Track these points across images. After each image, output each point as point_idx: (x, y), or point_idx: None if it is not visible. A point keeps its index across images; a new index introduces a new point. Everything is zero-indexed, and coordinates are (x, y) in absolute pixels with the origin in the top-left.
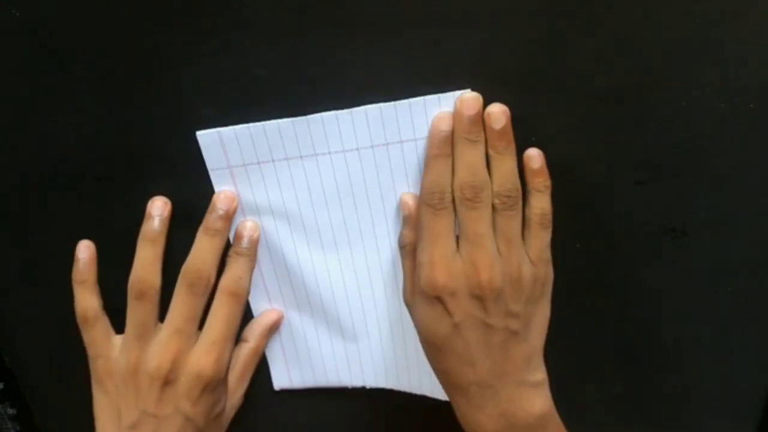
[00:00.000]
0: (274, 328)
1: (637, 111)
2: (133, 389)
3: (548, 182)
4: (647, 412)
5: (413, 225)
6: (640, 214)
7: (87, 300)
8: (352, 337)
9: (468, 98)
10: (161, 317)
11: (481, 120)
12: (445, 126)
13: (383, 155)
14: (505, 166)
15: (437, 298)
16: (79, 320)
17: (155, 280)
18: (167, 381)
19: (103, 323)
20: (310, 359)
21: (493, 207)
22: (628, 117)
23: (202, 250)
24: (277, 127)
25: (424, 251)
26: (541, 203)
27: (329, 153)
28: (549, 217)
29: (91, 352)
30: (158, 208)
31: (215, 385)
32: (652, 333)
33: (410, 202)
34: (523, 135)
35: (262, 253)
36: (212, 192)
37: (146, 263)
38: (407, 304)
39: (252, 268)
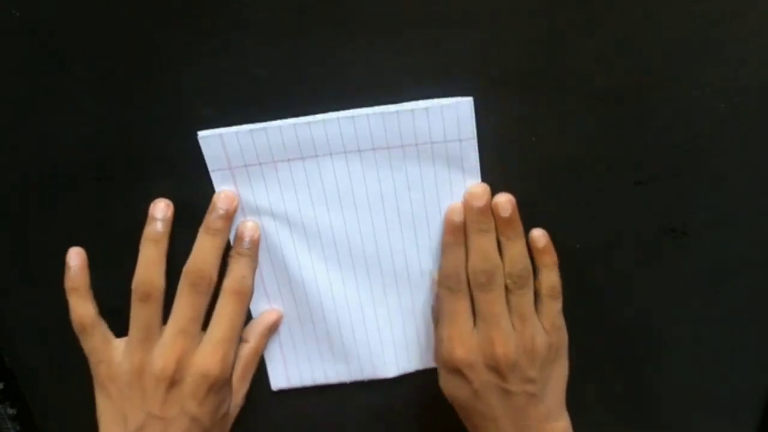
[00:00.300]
0: (273, 328)
1: (637, 111)
2: (138, 392)
3: (555, 258)
4: (647, 412)
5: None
6: (640, 214)
7: (82, 307)
8: (350, 335)
9: (476, 191)
10: (163, 319)
11: (489, 210)
12: (458, 217)
13: (384, 158)
14: (515, 250)
15: (457, 370)
16: (76, 328)
17: (160, 281)
18: (173, 382)
19: (101, 329)
20: (309, 358)
21: (506, 287)
22: (628, 117)
23: (204, 250)
24: (279, 129)
25: (444, 328)
26: (550, 278)
27: (330, 155)
28: (558, 289)
29: (92, 358)
30: (161, 210)
31: (221, 384)
32: (652, 333)
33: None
34: (523, 135)
35: (261, 254)
36: (212, 192)
37: (150, 265)
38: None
39: (254, 268)
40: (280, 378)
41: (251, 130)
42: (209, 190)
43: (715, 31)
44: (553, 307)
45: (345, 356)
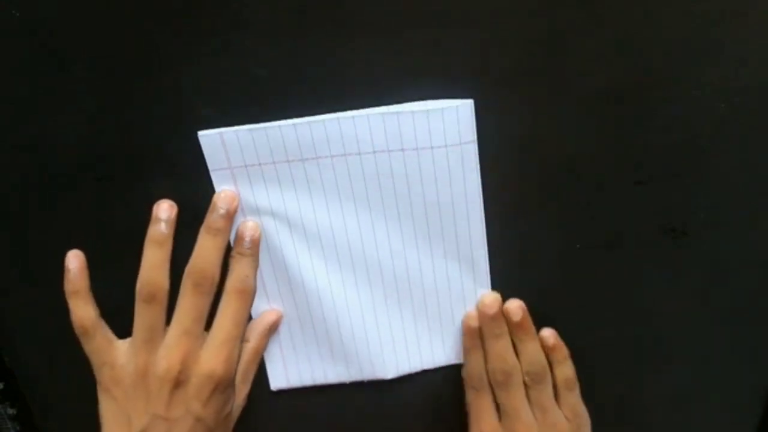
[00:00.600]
0: (273, 328)
1: (637, 111)
2: (142, 393)
3: (566, 352)
4: (647, 412)
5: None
6: (640, 214)
7: (82, 310)
8: (349, 336)
9: (488, 301)
10: (167, 319)
11: (501, 316)
12: (474, 323)
13: (385, 161)
14: (529, 350)
15: None
16: (77, 331)
17: (164, 282)
18: (178, 383)
19: (102, 331)
20: (308, 359)
21: (525, 383)
22: (628, 117)
23: (206, 250)
24: (279, 129)
25: (473, 425)
26: (563, 371)
27: (330, 156)
28: (573, 379)
29: (94, 360)
30: (165, 210)
31: (225, 384)
32: (652, 333)
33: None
34: (523, 135)
35: (261, 255)
36: (213, 192)
37: (154, 266)
38: None
39: (256, 267)
40: (279, 378)
41: (251, 130)
42: (209, 190)
43: (715, 31)
44: (571, 396)
45: (344, 357)
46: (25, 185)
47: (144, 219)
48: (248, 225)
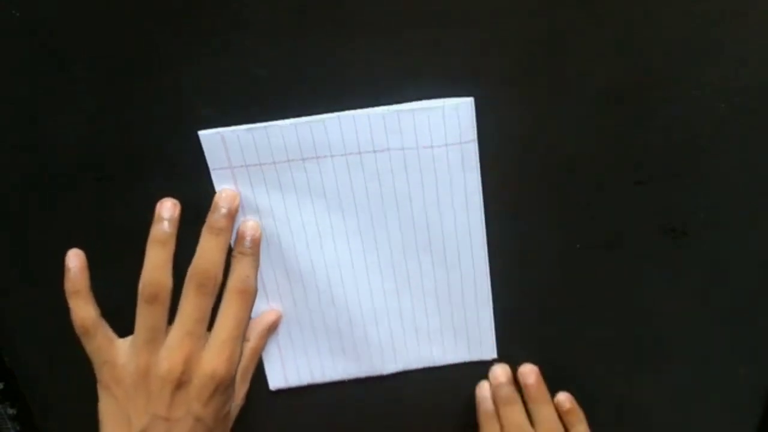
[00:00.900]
0: (273, 328)
1: (637, 111)
2: (143, 393)
3: (582, 415)
4: (647, 412)
5: None
6: (640, 214)
7: (83, 310)
8: (348, 332)
9: (496, 369)
10: (169, 319)
11: (512, 383)
12: (486, 393)
13: (385, 161)
14: (545, 414)
15: None
16: (78, 331)
17: (167, 282)
18: (179, 383)
19: (103, 330)
20: (307, 358)
21: None
22: (628, 117)
23: (208, 250)
24: (280, 129)
25: None
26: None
27: (331, 156)
28: None
29: (95, 359)
30: (168, 209)
31: (227, 384)
32: (652, 333)
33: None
34: (523, 135)
35: (261, 254)
36: (213, 192)
37: (157, 266)
38: None
39: (257, 267)
40: (278, 378)
41: (252, 130)
42: (210, 190)
43: (715, 31)
44: None
45: (343, 354)
46: (25, 185)
47: (144, 219)
48: (249, 224)
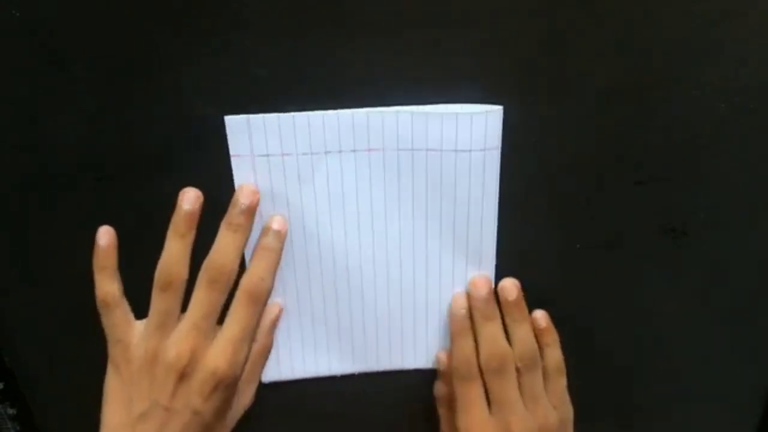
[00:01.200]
0: (276, 323)
1: (637, 111)
2: (148, 378)
3: (556, 335)
4: (647, 412)
5: (447, 380)
6: (640, 214)
7: (107, 285)
8: (348, 329)
9: (478, 281)
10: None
11: (493, 297)
12: (463, 305)
13: (407, 160)
14: (522, 332)
15: None
16: (99, 305)
17: (182, 272)
18: (183, 374)
19: (124, 308)
20: (303, 351)
21: (517, 369)
22: (628, 117)
23: (225, 246)
24: (307, 119)
25: (460, 418)
26: (554, 355)
27: (354, 150)
28: (563, 364)
29: (110, 336)
30: (189, 200)
31: (228, 383)
32: (652, 333)
33: (444, 359)
34: (523, 135)
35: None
36: (213, 192)
37: (174, 256)
38: None
39: (276, 266)
40: (271, 371)
41: (279, 116)
42: (210, 190)
43: (715, 31)
44: (560, 383)
45: (343, 351)
46: (25, 185)
47: (144, 219)
48: (276, 218)
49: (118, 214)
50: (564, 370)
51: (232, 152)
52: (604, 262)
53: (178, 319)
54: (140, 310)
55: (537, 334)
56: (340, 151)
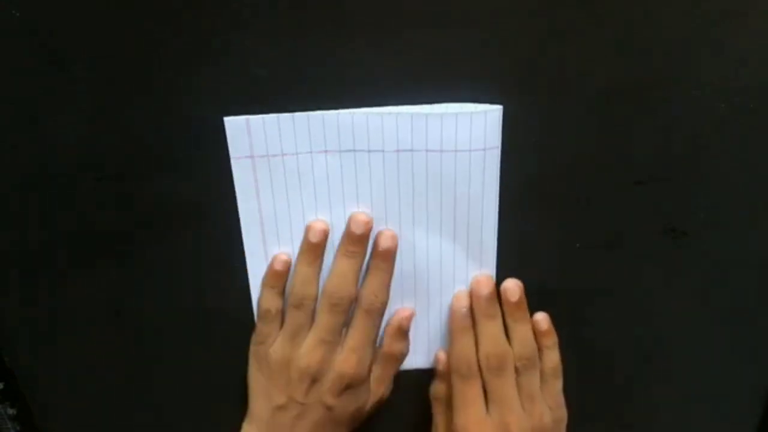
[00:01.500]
0: (404, 328)
1: (637, 111)
2: (284, 377)
3: (556, 338)
4: (646, 412)
5: (445, 379)
6: (640, 214)
7: (275, 299)
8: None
9: (482, 280)
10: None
11: (496, 297)
12: (464, 303)
13: (407, 161)
14: (523, 332)
15: None
16: (260, 312)
17: (312, 293)
18: (315, 378)
19: (278, 321)
20: None
21: (515, 369)
22: (628, 117)
23: (342, 273)
24: (307, 118)
25: (458, 416)
26: (552, 358)
27: (354, 150)
28: (560, 367)
29: (258, 338)
30: (316, 234)
31: (357, 383)
32: (652, 333)
33: (443, 358)
34: (523, 135)
35: (273, 246)
36: (213, 191)
37: (304, 281)
38: None
39: (390, 277)
40: None
41: (278, 116)
42: (210, 190)
43: (715, 31)
44: (556, 385)
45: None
46: (25, 185)
47: (144, 219)
48: (385, 235)
49: (118, 214)
50: (561, 373)
51: (232, 154)
52: (604, 262)
53: (309, 329)
54: (140, 308)
55: (537, 335)
56: (340, 151)
